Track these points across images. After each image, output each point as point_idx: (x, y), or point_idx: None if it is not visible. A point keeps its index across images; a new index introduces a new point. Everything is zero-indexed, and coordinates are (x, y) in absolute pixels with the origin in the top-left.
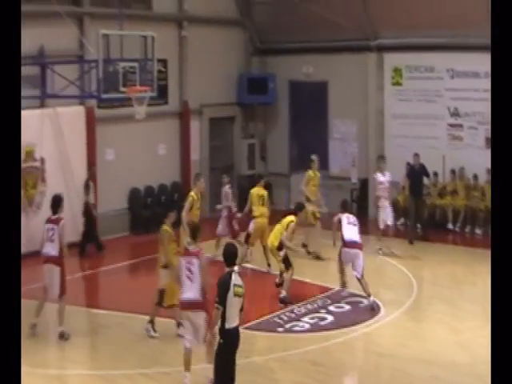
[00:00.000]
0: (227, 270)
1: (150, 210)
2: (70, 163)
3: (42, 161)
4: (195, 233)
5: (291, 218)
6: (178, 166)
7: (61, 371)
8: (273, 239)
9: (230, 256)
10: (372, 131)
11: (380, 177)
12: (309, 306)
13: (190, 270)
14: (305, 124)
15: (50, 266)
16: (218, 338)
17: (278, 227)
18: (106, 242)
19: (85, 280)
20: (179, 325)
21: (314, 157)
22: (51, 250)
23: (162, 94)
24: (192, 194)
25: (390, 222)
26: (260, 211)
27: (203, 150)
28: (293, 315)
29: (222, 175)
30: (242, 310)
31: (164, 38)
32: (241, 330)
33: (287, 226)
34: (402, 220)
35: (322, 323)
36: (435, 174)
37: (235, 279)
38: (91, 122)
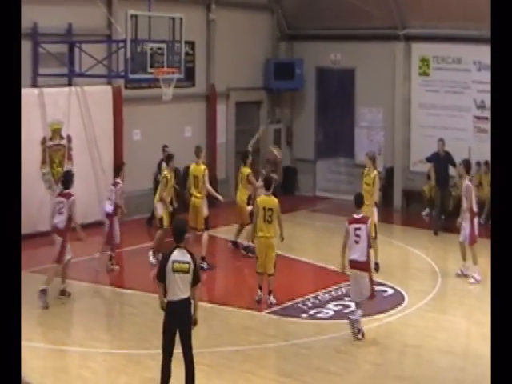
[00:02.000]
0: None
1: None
2: (97, 142)
3: (69, 139)
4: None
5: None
6: (204, 149)
7: (85, 349)
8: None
9: (177, 232)
10: (398, 120)
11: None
12: (333, 293)
13: (357, 235)
14: (331, 111)
15: (55, 236)
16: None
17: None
18: (132, 222)
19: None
20: None
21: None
22: (59, 222)
23: (189, 76)
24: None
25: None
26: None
27: (229, 134)
28: (317, 301)
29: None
30: (194, 284)
31: (192, 20)
32: (264, 314)
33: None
34: (427, 210)
35: (346, 311)
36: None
37: (176, 255)
38: (118, 102)
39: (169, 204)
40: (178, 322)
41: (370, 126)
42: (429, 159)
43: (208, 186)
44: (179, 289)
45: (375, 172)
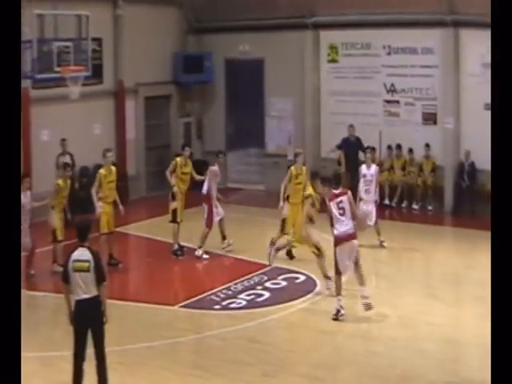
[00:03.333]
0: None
1: (86, 190)
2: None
3: None
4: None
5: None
6: (114, 146)
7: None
8: None
9: (79, 231)
10: (308, 109)
11: (364, 169)
12: (245, 283)
13: (341, 208)
14: (241, 102)
15: None
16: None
17: None
18: (39, 224)
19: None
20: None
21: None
22: None
23: (97, 73)
24: (101, 170)
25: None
26: None
27: (139, 130)
28: (229, 292)
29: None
30: (99, 282)
31: (99, 17)
32: (176, 308)
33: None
34: None
35: (259, 300)
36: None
37: (76, 255)
38: (26, 103)
39: (63, 213)
40: (86, 321)
41: (281, 116)
42: (339, 146)
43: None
44: (81, 288)
45: (304, 168)
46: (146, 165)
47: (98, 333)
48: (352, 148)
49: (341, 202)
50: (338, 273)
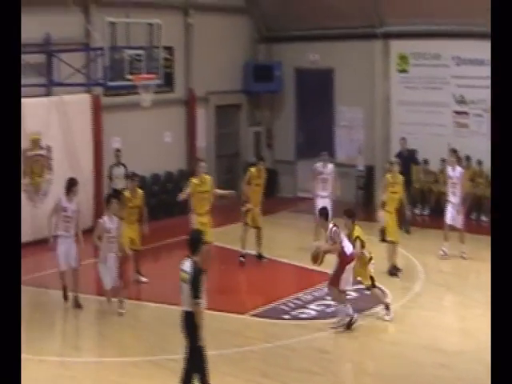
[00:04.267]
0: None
1: (157, 197)
2: (77, 151)
3: (49, 149)
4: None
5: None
6: (184, 154)
7: (65, 358)
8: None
9: (190, 243)
10: (378, 118)
11: (450, 171)
12: (315, 293)
13: None
14: (311, 111)
15: None
16: None
17: None
18: None
19: (90, 268)
20: None
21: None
22: None
23: (168, 81)
24: (194, 180)
25: (449, 221)
26: None
27: (209, 138)
28: (299, 302)
29: None
30: (194, 297)
31: (170, 25)
32: (247, 317)
33: None
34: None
35: (329, 310)
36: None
37: (182, 264)
38: (97, 110)
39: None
40: (183, 332)
41: (350, 125)
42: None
43: None
44: (182, 299)
45: (401, 176)
46: (217, 173)
47: (188, 344)
48: (405, 162)
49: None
50: (337, 285)
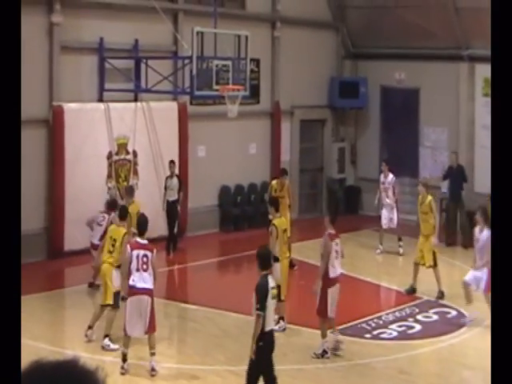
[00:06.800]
0: (263, 273)
1: (240, 208)
2: (162, 158)
3: (135, 154)
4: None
5: None
6: (269, 166)
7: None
8: None
9: (264, 259)
10: (462, 141)
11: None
12: (397, 314)
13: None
14: (395, 130)
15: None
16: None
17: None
18: (196, 238)
19: (174, 274)
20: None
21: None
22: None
23: (254, 93)
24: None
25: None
26: None
27: (293, 151)
28: (381, 322)
29: None
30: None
31: (257, 37)
32: (328, 334)
33: None
34: None
35: (410, 332)
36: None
37: (271, 282)
38: (184, 118)
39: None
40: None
41: (434, 146)
42: (445, 176)
43: None
44: (272, 317)
45: (430, 197)
46: (300, 187)
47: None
48: (455, 177)
49: (337, 244)
50: (325, 315)
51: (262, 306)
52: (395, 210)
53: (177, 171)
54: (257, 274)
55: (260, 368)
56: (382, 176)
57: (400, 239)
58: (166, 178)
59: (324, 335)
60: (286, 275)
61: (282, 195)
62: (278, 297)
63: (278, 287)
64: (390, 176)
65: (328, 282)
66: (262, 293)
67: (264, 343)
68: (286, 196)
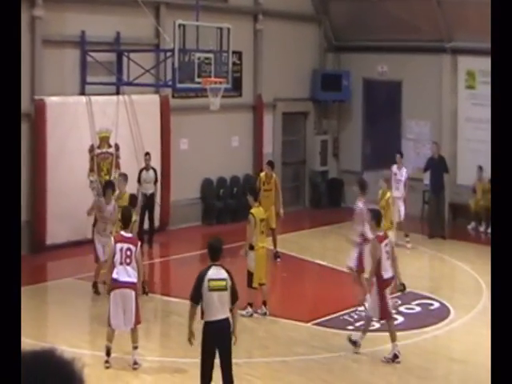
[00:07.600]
0: (209, 264)
1: (222, 201)
2: (144, 151)
3: (117, 147)
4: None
5: None
6: (251, 159)
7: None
8: None
9: (212, 250)
10: (445, 134)
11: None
12: None
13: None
14: (378, 122)
15: None
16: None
17: None
18: (178, 231)
19: (156, 268)
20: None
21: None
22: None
23: (237, 86)
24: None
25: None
26: None
27: (276, 144)
28: (363, 314)
29: None
30: (233, 302)
31: (239, 30)
32: (310, 325)
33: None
34: (473, 224)
35: (394, 323)
36: None
37: (211, 274)
38: (166, 111)
39: None
40: (218, 342)
41: (417, 139)
42: (426, 167)
43: None
44: (216, 308)
45: (389, 194)
46: (282, 180)
47: (228, 353)
48: (436, 168)
49: (386, 245)
50: (390, 317)
51: (193, 295)
52: (403, 204)
53: (152, 163)
54: (239, 267)
55: (203, 358)
56: (395, 167)
57: (407, 235)
58: (141, 171)
59: (394, 339)
60: (262, 263)
61: (270, 188)
62: (233, 289)
63: (250, 275)
64: (404, 170)
65: (383, 284)
66: (195, 282)
67: (204, 334)
68: (274, 189)
